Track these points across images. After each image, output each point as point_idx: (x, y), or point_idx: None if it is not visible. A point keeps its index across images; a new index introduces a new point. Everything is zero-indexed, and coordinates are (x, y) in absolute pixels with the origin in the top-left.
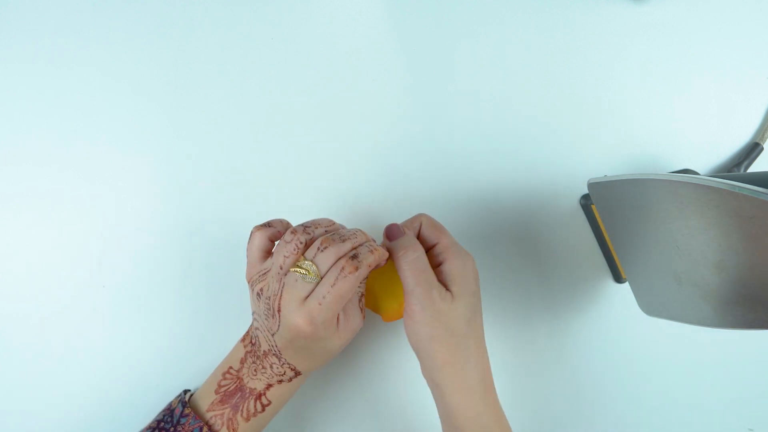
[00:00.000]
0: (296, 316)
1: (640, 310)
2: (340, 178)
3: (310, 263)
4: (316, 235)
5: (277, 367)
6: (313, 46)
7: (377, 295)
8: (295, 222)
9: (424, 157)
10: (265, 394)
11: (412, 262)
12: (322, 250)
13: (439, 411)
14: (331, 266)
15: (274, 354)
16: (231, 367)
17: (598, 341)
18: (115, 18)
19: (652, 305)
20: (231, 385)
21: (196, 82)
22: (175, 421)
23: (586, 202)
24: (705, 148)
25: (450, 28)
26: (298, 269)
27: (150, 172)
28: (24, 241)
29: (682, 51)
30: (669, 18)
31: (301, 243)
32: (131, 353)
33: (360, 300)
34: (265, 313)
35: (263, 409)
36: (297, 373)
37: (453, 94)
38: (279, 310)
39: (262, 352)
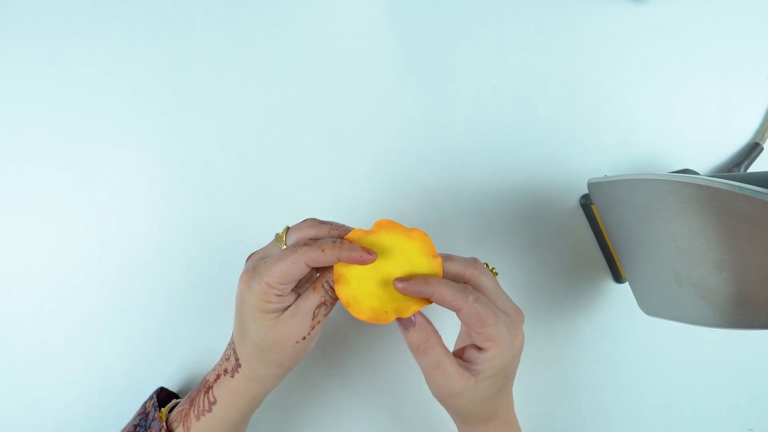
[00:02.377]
0: (244, 270)
1: (640, 310)
2: (339, 178)
3: (285, 229)
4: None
5: (229, 350)
6: (313, 46)
7: (352, 284)
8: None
9: (424, 157)
10: (212, 387)
11: (424, 356)
12: (299, 227)
13: None
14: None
15: (232, 334)
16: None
17: (598, 341)
18: (115, 18)
19: (652, 305)
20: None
21: (196, 82)
22: (148, 425)
23: (586, 202)
24: (705, 148)
25: (450, 28)
26: (278, 234)
27: (150, 172)
28: (24, 240)
29: (682, 51)
30: (669, 18)
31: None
32: (131, 353)
33: (317, 307)
34: None
35: (210, 408)
36: (237, 363)
37: (453, 94)
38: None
39: (230, 339)
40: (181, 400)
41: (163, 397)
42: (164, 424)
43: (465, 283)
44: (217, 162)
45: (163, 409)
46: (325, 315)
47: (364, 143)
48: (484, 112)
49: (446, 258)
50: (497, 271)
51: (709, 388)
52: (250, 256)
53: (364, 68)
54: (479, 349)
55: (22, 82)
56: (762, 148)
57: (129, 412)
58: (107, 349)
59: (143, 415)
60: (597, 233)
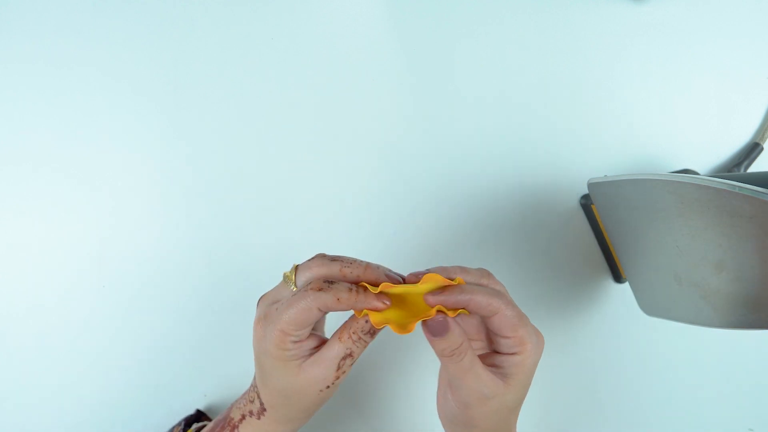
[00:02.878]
0: (256, 316)
1: (640, 310)
2: (339, 177)
3: (293, 270)
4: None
5: (252, 393)
6: (313, 46)
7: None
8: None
9: (424, 157)
10: (238, 427)
11: (456, 364)
12: (308, 266)
13: None
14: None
15: (255, 376)
16: (237, 399)
17: (598, 341)
18: (115, 18)
19: (652, 305)
20: (223, 413)
21: (196, 82)
22: None
23: (586, 202)
24: (705, 148)
25: (450, 28)
26: (286, 275)
27: (150, 172)
28: (24, 240)
29: (682, 51)
30: (669, 18)
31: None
32: (131, 353)
33: (343, 359)
34: None
35: None
36: (262, 408)
37: (453, 94)
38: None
39: (253, 378)
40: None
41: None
42: None
43: None
44: (216, 161)
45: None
46: (351, 365)
47: (364, 143)
48: (484, 113)
49: (461, 270)
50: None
51: (709, 388)
52: (260, 300)
53: (364, 68)
54: (506, 354)
55: (22, 82)
56: (762, 148)
57: (128, 412)
58: (107, 349)
59: None
60: (597, 233)
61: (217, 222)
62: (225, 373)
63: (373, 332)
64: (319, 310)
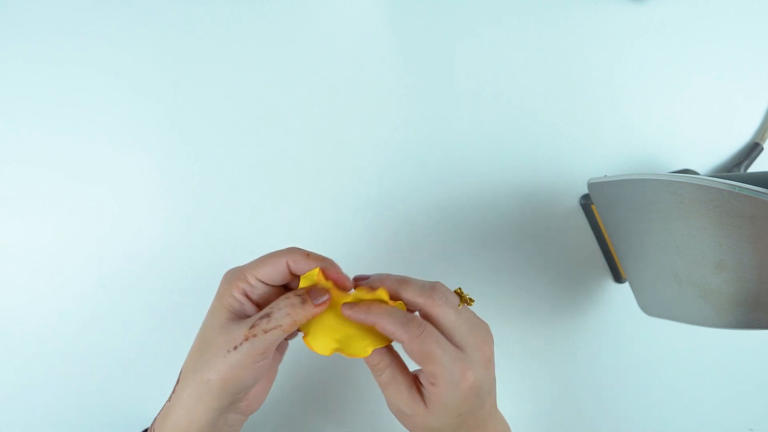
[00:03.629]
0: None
1: (640, 310)
2: (339, 177)
3: None
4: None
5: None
6: (313, 46)
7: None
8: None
9: (424, 157)
10: (156, 418)
11: (378, 378)
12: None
13: None
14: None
15: None
16: None
17: (598, 341)
18: (115, 18)
19: (652, 305)
20: None
21: (196, 81)
22: None
23: (586, 202)
24: (705, 148)
25: (450, 28)
26: None
27: (150, 171)
28: (23, 240)
29: (682, 51)
30: (669, 18)
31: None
32: (131, 353)
33: (261, 318)
34: None
35: None
36: (177, 383)
37: (453, 94)
38: None
39: None
40: None
41: None
42: None
43: (418, 311)
44: (216, 160)
45: None
46: (266, 332)
47: (364, 143)
48: (484, 112)
49: (401, 282)
50: (472, 298)
51: (709, 388)
52: None
53: (364, 68)
54: (426, 381)
55: (22, 82)
56: (762, 148)
57: (128, 413)
58: (106, 349)
59: None
60: (597, 233)
61: (217, 221)
62: None
63: (303, 301)
64: (288, 265)
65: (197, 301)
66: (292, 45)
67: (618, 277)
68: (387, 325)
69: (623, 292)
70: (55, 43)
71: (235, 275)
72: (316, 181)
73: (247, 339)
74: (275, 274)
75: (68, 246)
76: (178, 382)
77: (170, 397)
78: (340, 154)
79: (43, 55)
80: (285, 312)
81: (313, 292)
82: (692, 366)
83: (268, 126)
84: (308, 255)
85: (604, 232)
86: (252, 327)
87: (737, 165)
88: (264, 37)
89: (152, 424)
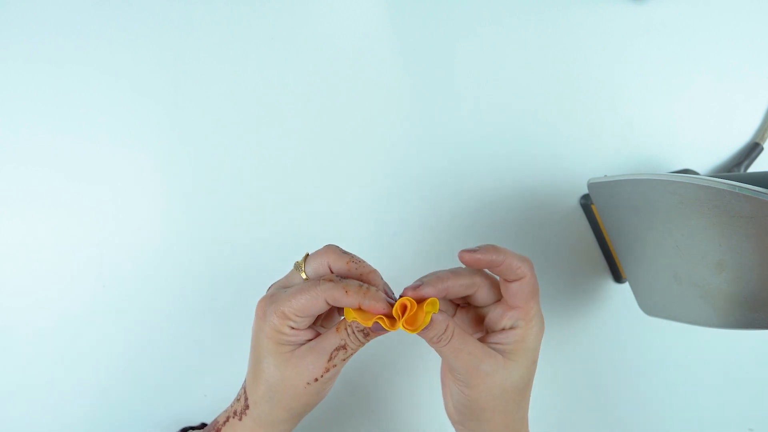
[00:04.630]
0: (261, 298)
1: (640, 310)
2: (339, 177)
3: (304, 259)
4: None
5: (241, 390)
6: (313, 46)
7: None
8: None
9: (424, 157)
10: (221, 429)
11: (448, 346)
12: (320, 254)
13: None
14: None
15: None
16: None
17: (598, 341)
18: (115, 18)
19: (652, 305)
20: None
21: (196, 81)
22: None
23: (586, 202)
24: (705, 148)
25: (450, 28)
26: (296, 264)
27: (150, 171)
28: (23, 240)
29: (682, 51)
30: (669, 18)
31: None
32: (130, 354)
33: (336, 349)
34: None
35: None
36: (246, 405)
37: (453, 94)
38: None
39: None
40: None
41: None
42: None
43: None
44: (216, 161)
45: None
46: (344, 360)
47: (363, 143)
48: (484, 112)
49: (453, 274)
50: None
51: (709, 388)
52: (271, 286)
53: (364, 68)
54: (505, 331)
55: (22, 82)
56: (762, 148)
57: (128, 414)
58: (106, 349)
59: None
60: (597, 233)
61: (216, 222)
62: (225, 374)
63: (366, 333)
64: (326, 301)
65: (197, 300)
66: (292, 45)
67: (618, 277)
68: (514, 260)
69: (623, 292)
70: (55, 43)
71: (275, 314)
72: (315, 181)
73: (327, 371)
74: (314, 309)
75: (68, 246)
76: (248, 407)
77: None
78: (340, 154)
79: (43, 55)
80: (357, 344)
81: (374, 327)
82: (692, 366)
83: (268, 126)
84: (347, 292)
85: (604, 232)
86: (330, 359)
87: (737, 165)
88: (264, 37)
89: None
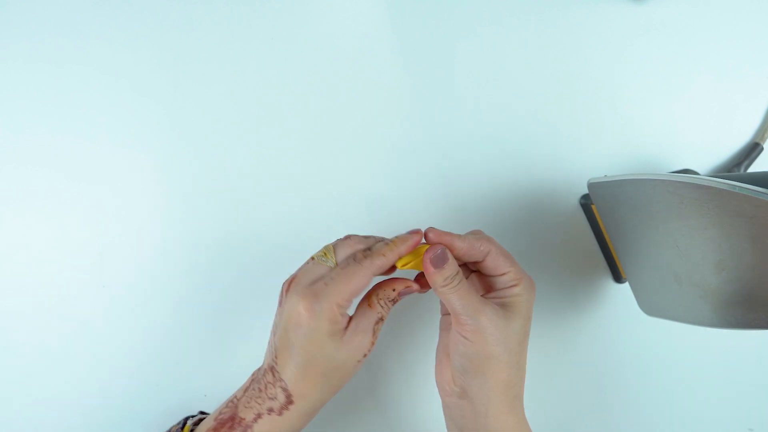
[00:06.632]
0: (299, 297)
1: (640, 310)
2: (339, 177)
3: (331, 248)
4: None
5: (271, 388)
6: (313, 46)
7: None
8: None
9: (423, 157)
10: (252, 426)
11: (456, 289)
12: (348, 243)
13: (466, 427)
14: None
15: (270, 369)
16: (235, 395)
17: (598, 341)
18: (115, 18)
19: (652, 305)
20: (227, 413)
21: (196, 81)
22: None
23: (586, 202)
24: (705, 148)
25: (450, 28)
26: (319, 254)
27: (150, 171)
28: (24, 240)
29: (682, 51)
30: (669, 18)
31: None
32: (130, 353)
33: (376, 323)
34: (278, 305)
35: None
36: (288, 400)
37: (453, 94)
38: (286, 292)
39: (262, 372)
40: (202, 430)
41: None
42: None
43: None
44: (217, 160)
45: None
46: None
47: (364, 143)
48: (484, 113)
49: (453, 236)
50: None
51: (709, 388)
52: (290, 284)
53: (364, 68)
54: (504, 289)
55: (22, 82)
56: (762, 148)
57: (128, 412)
58: (106, 349)
59: None
60: (597, 233)
61: (217, 222)
62: (225, 373)
63: (395, 299)
64: (373, 276)
65: (197, 300)
66: (292, 45)
67: (618, 277)
68: (476, 242)
69: (623, 292)
70: (55, 43)
71: (331, 307)
72: (315, 181)
73: (373, 344)
74: (363, 288)
75: (68, 246)
76: (291, 402)
77: (277, 409)
78: (339, 154)
79: (43, 55)
80: (388, 312)
81: (403, 292)
82: (692, 366)
83: (268, 126)
84: (385, 255)
85: (604, 232)
86: (374, 334)
87: (737, 165)
88: (264, 37)
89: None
